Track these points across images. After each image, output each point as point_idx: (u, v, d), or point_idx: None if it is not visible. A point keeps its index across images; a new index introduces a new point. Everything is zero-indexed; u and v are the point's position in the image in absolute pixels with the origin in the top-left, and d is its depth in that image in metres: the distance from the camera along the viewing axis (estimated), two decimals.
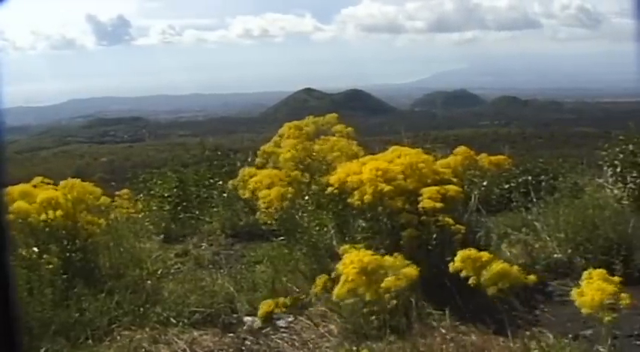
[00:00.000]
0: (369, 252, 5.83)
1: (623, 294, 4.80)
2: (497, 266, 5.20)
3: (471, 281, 5.19)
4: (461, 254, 5.34)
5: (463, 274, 5.25)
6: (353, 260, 5.50)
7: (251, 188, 7.60)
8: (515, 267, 5.36)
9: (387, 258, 5.64)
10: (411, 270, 5.49)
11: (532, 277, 5.32)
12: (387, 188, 6.58)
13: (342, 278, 5.46)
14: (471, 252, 5.35)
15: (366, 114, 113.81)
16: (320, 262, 7.12)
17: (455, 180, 7.22)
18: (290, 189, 7.49)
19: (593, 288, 4.68)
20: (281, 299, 6.53)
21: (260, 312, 6.41)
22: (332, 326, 6.05)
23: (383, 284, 5.38)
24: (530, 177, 10.88)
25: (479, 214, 7.77)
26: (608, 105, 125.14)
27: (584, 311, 4.71)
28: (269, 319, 6.42)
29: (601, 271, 4.82)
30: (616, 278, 4.81)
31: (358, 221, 7.06)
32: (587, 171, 11.98)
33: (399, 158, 7.07)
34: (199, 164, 13.26)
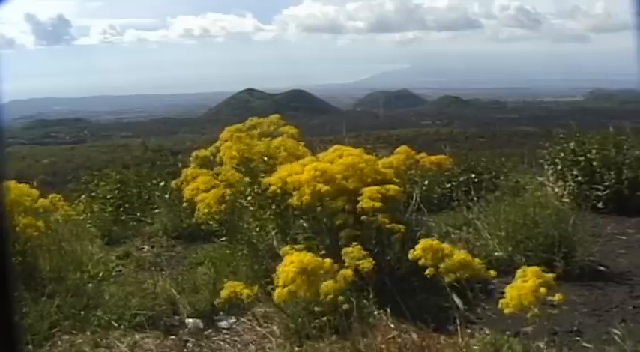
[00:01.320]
0: (310, 253, 5.89)
1: (553, 291, 4.88)
2: (459, 256, 5.27)
3: (428, 271, 5.25)
4: (422, 243, 5.40)
5: (421, 263, 5.30)
6: (293, 260, 5.54)
7: (189, 193, 7.60)
8: (477, 259, 5.45)
9: (327, 259, 5.69)
10: (365, 263, 5.56)
11: (493, 272, 5.41)
12: (325, 188, 6.63)
13: (282, 279, 5.49)
14: (434, 242, 5.42)
15: (308, 114, 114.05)
16: (261, 263, 7.15)
17: (396, 180, 7.28)
18: (228, 190, 7.50)
19: (514, 290, 4.77)
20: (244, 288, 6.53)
21: (224, 293, 6.43)
22: (274, 327, 6.09)
23: (323, 286, 5.44)
24: (472, 176, 11.05)
25: (420, 213, 7.87)
26: (549, 105, 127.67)
27: (506, 311, 4.80)
28: (211, 320, 6.45)
29: (535, 269, 4.91)
30: (549, 275, 4.90)
31: (299, 221, 7.10)
32: (529, 170, 12.20)
33: (340, 158, 7.12)
34: (141, 165, 13.20)
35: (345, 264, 5.58)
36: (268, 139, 8.39)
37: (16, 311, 2.39)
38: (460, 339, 5.16)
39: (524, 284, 4.79)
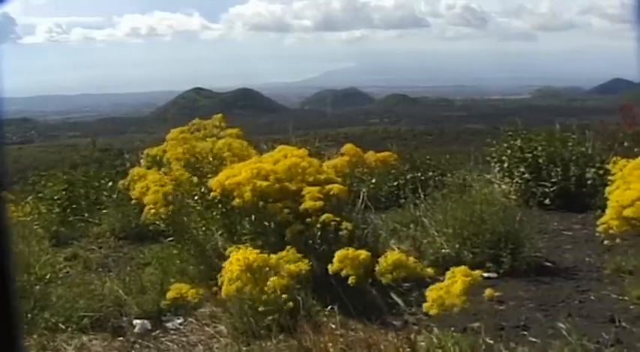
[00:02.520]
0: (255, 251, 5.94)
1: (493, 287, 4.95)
2: (393, 256, 5.32)
3: (350, 280, 5.30)
4: (338, 254, 5.45)
5: (344, 273, 5.35)
6: (239, 257, 5.57)
7: (137, 193, 7.59)
8: (412, 258, 5.50)
9: (273, 255, 5.73)
10: (301, 265, 5.61)
11: (429, 270, 5.46)
12: (264, 184, 6.67)
13: (227, 275, 5.54)
14: (349, 251, 5.46)
15: (256, 113, 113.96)
16: (208, 263, 7.15)
17: (339, 179, 7.34)
18: (172, 190, 7.51)
19: (434, 292, 4.84)
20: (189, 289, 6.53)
21: (170, 295, 6.42)
22: (222, 327, 6.09)
23: (269, 283, 5.49)
24: (419, 174, 11.16)
25: (367, 211, 7.93)
26: (496, 103, 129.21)
27: (432, 313, 4.87)
28: (159, 321, 6.44)
29: (463, 268, 4.97)
30: (477, 272, 4.97)
31: (243, 221, 7.13)
32: (476, 168, 12.36)
33: (285, 158, 7.16)
34: (89, 165, 13.10)
35: (284, 266, 5.65)
36: (213, 140, 8.40)
37: (17, 311, 2.39)
38: (407, 336, 5.21)
39: (444, 286, 4.85)
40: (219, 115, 9.40)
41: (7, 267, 2.33)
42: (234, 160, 7.91)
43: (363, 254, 5.44)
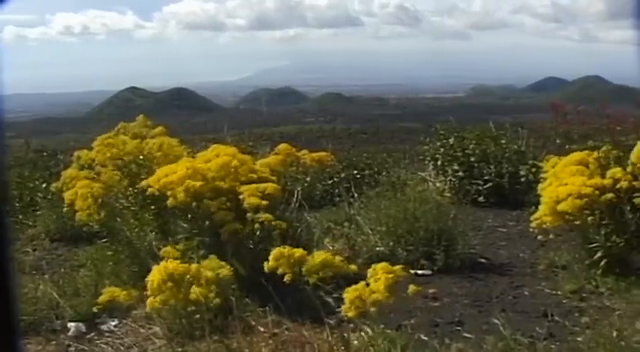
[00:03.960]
0: (189, 252, 5.93)
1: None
2: (320, 255, 5.34)
3: (286, 278, 5.32)
4: (274, 253, 5.45)
5: (280, 272, 5.36)
6: (160, 269, 5.58)
7: (70, 196, 7.51)
8: (338, 257, 5.53)
9: (193, 265, 5.73)
10: (223, 271, 5.64)
11: (353, 266, 5.49)
12: (198, 184, 6.65)
13: (150, 287, 5.54)
14: (285, 249, 5.48)
15: (191, 113, 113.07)
16: (142, 264, 7.11)
17: (272, 177, 7.36)
18: (103, 193, 7.46)
19: (352, 293, 4.88)
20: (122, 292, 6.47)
21: (102, 298, 6.35)
22: (157, 329, 6.06)
23: (192, 295, 5.50)
24: (353, 172, 11.24)
25: (302, 210, 7.95)
26: (431, 101, 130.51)
27: (350, 315, 4.91)
28: (94, 324, 6.38)
29: (384, 264, 5.01)
30: (398, 268, 5.02)
31: (177, 221, 7.10)
32: (411, 166, 12.50)
33: (217, 157, 7.16)
34: (24, 166, 12.88)
35: (204, 273, 5.68)
36: (139, 141, 8.35)
37: (16, 310, 2.36)
38: (340, 335, 5.24)
39: (361, 287, 4.89)
40: (141, 116, 9.35)
41: (7, 267, 2.32)
42: (165, 160, 7.86)
43: (299, 252, 5.44)
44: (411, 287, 4.91)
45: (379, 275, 4.86)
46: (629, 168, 6.99)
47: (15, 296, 2.32)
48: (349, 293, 4.85)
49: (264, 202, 6.56)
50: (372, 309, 4.74)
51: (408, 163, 12.93)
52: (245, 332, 5.58)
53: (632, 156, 7.05)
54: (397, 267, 4.97)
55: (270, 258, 5.45)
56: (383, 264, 4.97)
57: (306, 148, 12.40)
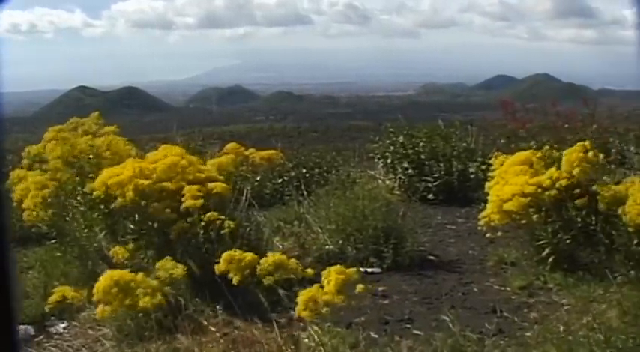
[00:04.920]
0: (137, 252, 5.92)
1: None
2: (274, 257, 5.35)
3: (234, 280, 5.32)
4: (225, 256, 5.47)
5: (230, 276, 5.37)
6: (105, 277, 5.57)
7: (17, 196, 7.42)
8: (293, 259, 5.54)
9: (140, 274, 5.71)
10: (177, 271, 5.64)
11: (310, 270, 5.50)
12: (146, 183, 6.63)
13: (97, 295, 5.51)
14: (235, 252, 5.48)
15: (141, 112, 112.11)
16: (91, 265, 7.06)
17: (220, 177, 7.35)
18: (53, 192, 7.38)
19: (306, 295, 4.91)
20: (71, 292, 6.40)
21: (52, 299, 6.27)
22: (106, 330, 6.02)
23: (140, 302, 5.48)
24: (303, 171, 11.24)
25: (251, 209, 7.95)
26: (381, 99, 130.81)
27: (303, 315, 4.93)
28: (43, 326, 6.31)
29: (338, 267, 5.04)
30: (351, 270, 5.06)
31: (126, 221, 7.05)
32: (361, 164, 12.54)
33: (165, 157, 7.13)
34: None
35: (158, 276, 5.67)
36: (90, 137, 8.27)
37: (16, 309, 2.34)
38: (290, 333, 5.26)
39: (314, 289, 4.92)
40: (97, 113, 9.25)
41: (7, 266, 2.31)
42: (114, 159, 7.81)
43: (249, 256, 5.46)
44: (359, 286, 4.94)
45: (331, 277, 4.89)
46: (563, 172, 7.10)
47: (15, 296, 2.32)
48: (303, 295, 4.87)
49: (199, 202, 6.55)
50: (325, 309, 4.77)
51: (357, 162, 12.94)
52: (195, 331, 5.58)
53: (562, 164, 7.15)
54: (351, 269, 5.01)
55: (221, 260, 5.47)
56: (337, 267, 5.01)
57: (256, 147, 12.39)
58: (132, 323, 5.79)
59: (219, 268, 5.46)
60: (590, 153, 7.09)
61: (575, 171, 6.97)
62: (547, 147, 7.83)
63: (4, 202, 2.80)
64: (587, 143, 7.24)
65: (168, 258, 6.02)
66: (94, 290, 5.55)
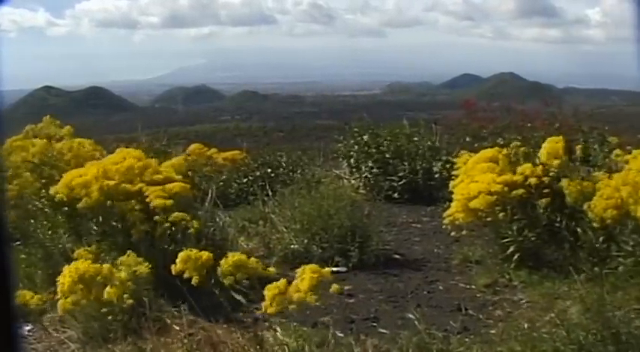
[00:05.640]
0: (102, 254, 5.87)
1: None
2: (234, 257, 5.34)
3: (194, 281, 5.31)
4: (181, 255, 5.45)
5: (186, 275, 5.36)
6: (71, 269, 5.51)
7: None
8: (253, 259, 5.53)
9: (105, 265, 5.68)
10: (141, 268, 5.60)
11: (272, 269, 5.50)
12: (111, 183, 6.62)
13: (60, 289, 5.46)
14: (192, 252, 5.47)
15: (106, 112, 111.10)
16: (55, 267, 6.99)
17: (179, 177, 7.33)
18: (16, 194, 7.34)
19: (272, 290, 4.91)
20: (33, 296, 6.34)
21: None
22: (71, 332, 5.97)
23: (105, 293, 5.44)
24: (268, 171, 11.25)
25: (216, 209, 7.93)
26: (347, 99, 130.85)
27: (269, 312, 4.94)
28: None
29: (313, 266, 5.05)
30: (326, 270, 5.07)
31: (90, 223, 7.02)
32: (326, 163, 12.55)
33: (124, 160, 7.12)
34: None
35: (116, 274, 5.64)
36: (46, 142, 8.23)
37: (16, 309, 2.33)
38: (254, 333, 5.25)
39: (281, 284, 4.93)
40: (47, 116, 9.22)
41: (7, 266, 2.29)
42: (78, 161, 7.77)
43: (205, 255, 5.45)
44: (333, 287, 4.96)
45: (305, 275, 4.90)
46: (538, 166, 7.19)
47: (15, 295, 2.31)
48: (270, 290, 4.87)
49: (169, 202, 6.53)
50: (292, 307, 4.78)
51: (323, 161, 12.97)
52: (160, 332, 5.55)
53: (541, 155, 7.25)
54: (326, 269, 5.03)
55: (178, 260, 5.45)
56: (312, 266, 5.02)
57: (222, 147, 12.40)
58: (96, 325, 5.75)
59: (175, 268, 5.44)
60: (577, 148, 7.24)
61: (555, 162, 7.08)
62: (517, 142, 7.90)
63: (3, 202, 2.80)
64: (561, 138, 7.36)
65: (130, 253, 5.99)
66: (59, 284, 5.50)
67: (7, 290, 2.29)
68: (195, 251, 5.48)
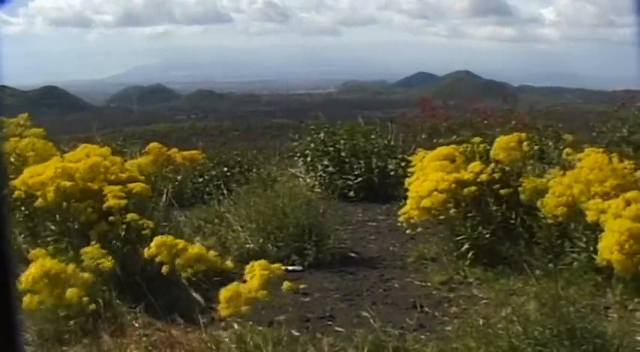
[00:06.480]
0: (59, 254, 5.81)
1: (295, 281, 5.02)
2: (193, 249, 5.31)
3: (164, 269, 5.27)
4: (156, 240, 5.42)
5: (158, 259, 5.31)
6: (36, 266, 5.44)
7: None
8: (212, 252, 5.50)
9: (70, 264, 5.62)
10: (105, 263, 5.54)
11: (230, 263, 5.47)
12: (68, 184, 6.53)
13: (25, 285, 5.38)
14: (168, 238, 5.43)
15: (62, 112, 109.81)
16: None
17: (142, 177, 7.28)
18: None
19: (228, 292, 4.90)
20: None
21: None
22: (27, 334, 5.88)
23: (67, 292, 5.38)
24: (224, 170, 11.20)
25: (171, 209, 7.89)
26: (303, 97, 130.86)
27: (224, 314, 4.93)
28: None
29: (263, 262, 5.04)
30: (276, 266, 5.06)
31: (47, 223, 6.94)
32: (282, 162, 12.53)
33: (87, 157, 7.05)
34: None
35: (84, 265, 5.57)
36: (16, 139, 8.15)
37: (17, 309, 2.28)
38: (211, 333, 5.23)
39: (237, 286, 4.91)
40: (25, 115, 9.12)
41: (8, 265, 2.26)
42: (37, 160, 7.68)
43: (182, 243, 5.43)
44: (286, 284, 4.94)
45: (255, 272, 4.88)
46: (492, 162, 7.25)
47: (15, 293, 2.27)
48: (225, 292, 4.85)
49: (123, 202, 6.48)
50: (246, 307, 4.75)
51: (278, 160, 12.96)
52: (116, 334, 5.50)
53: (494, 150, 7.32)
54: (275, 265, 5.02)
55: (152, 244, 5.41)
56: (261, 262, 4.99)
57: (177, 146, 12.30)
58: (51, 327, 5.68)
59: (148, 252, 5.40)
60: (525, 144, 7.32)
61: (503, 155, 7.16)
62: (477, 139, 7.94)
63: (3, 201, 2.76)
64: (515, 135, 7.45)
65: (94, 243, 5.93)
66: (23, 279, 5.42)
67: (7, 290, 2.26)
68: (170, 237, 5.45)
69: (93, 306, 5.53)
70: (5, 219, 2.55)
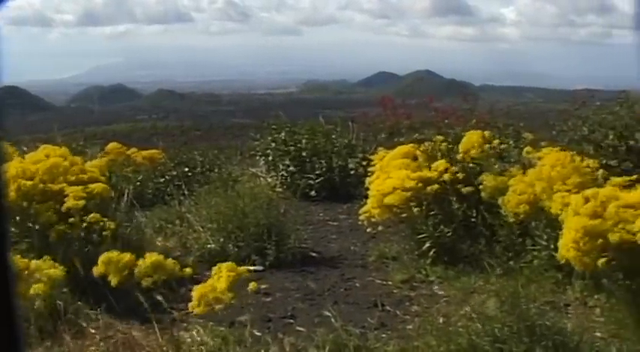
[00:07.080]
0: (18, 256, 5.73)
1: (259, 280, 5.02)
2: (151, 258, 5.27)
3: (113, 282, 5.23)
4: (102, 258, 5.37)
5: (109, 278, 5.27)
6: None
7: None
8: (170, 260, 5.47)
9: (33, 261, 5.55)
10: (57, 271, 5.46)
11: (188, 270, 5.44)
12: (29, 184, 6.47)
13: None
14: (113, 254, 5.38)
15: (23, 112, 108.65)
16: None
17: (103, 178, 7.23)
18: None
19: (200, 290, 4.89)
20: None
21: None
22: None
23: (31, 289, 5.31)
24: (185, 170, 11.15)
25: (132, 209, 7.83)
26: (264, 97, 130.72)
27: (196, 312, 4.92)
28: None
29: (230, 264, 5.03)
30: (242, 268, 5.05)
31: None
32: (243, 162, 12.51)
33: (47, 158, 6.98)
34: None
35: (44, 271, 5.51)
36: None
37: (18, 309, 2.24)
38: (171, 334, 5.20)
39: (210, 285, 4.90)
40: None
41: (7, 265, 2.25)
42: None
43: (127, 257, 5.37)
44: (252, 285, 4.94)
45: (222, 273, 4.86)
46: (455, 160, 7.30)
47: (16, 291, 2.24)
48: (197, 291, 4.85)
49: (81, 203, 6.43)
50: (219, 307, 4.75)
51: (239, 160, 12.95)
52: (76, 336, 5.45)
53: (461, 145, 7.37)
54: (242, 268, 5.00)
55: (99, 261, 5.36)
56: (228, 263, 4.98)
57: (138, 146, 12.24)
58: None
59: (97, 270, 5.35)
60: (495, 142, 7.40)
61: (474, 152, 7.22)
62: (439, 137, 7.98)
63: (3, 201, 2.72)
64: (479, 132, 7.51)
65: (47, 257, 5.86)
66: None
67: (7, 289, 2.23)
68: (116, 253, 5.39)
69: (48, 307, 5.47)
70: (5, 219, 2.53)
